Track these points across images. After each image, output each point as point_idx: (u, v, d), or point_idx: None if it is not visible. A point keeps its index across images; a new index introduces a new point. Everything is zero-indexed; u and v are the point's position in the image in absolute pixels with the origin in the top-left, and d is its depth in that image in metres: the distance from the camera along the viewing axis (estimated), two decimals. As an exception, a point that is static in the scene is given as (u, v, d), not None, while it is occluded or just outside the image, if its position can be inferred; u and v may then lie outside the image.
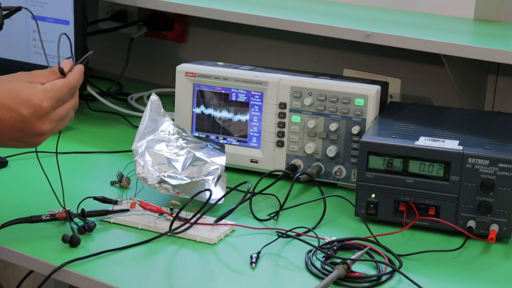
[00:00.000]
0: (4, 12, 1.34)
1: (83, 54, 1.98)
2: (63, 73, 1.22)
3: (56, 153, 1.41)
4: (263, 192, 1.59)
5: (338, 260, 1.30)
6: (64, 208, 1.41)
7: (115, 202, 1.49)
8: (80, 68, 1.24)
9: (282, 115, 1.68)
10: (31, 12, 1.34)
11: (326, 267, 1.30)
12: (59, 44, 1.26)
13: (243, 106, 1.70)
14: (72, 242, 1.34)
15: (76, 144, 1.83)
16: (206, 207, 1.43)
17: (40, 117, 1.18)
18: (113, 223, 1.45)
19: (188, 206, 1.40)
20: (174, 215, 1.41)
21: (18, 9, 1.35)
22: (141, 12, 2.36)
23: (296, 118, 1.67)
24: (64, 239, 1.34)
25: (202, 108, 1.73)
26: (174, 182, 1.49)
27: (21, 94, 1.16)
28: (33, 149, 1.34)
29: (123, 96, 2.23)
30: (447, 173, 1.44)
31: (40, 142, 1.23)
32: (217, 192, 1.49)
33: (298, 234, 1.42)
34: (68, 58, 1.25)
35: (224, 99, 1.71)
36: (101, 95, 2.16)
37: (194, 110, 1.74)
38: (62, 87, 1.20)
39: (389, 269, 1.31)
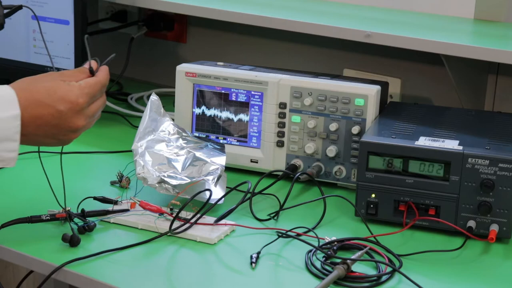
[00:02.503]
0: (5, 11, 1.34)
1: (83, 54, 1.99)
2: (92, 72, 1.26)
3: (61, 153, 1.41)
4: (263, 192, 1.59)
5: (338, 260, 1.30)
6: (65, 208, 1.41)
7: (115, 202, 1.49)
8: (106, 68, 1.29)
9: (282, 115, 1.68)
10: (33, 10, 1.35)
11: (326, 267, 1.30)
12: (88, 45, 1.32)
13: (243, 106, 1.70)
14: (72, 241, 1.34)
15: (76, 144, 1.83)
16: (206, 207, 1.43)
17: (76, 113, 1.22)
18: (113, 223, 1.45)
19: (188, 206, 1.40)
20: (174, 215, 1.41)
21: (19, 7, 1.36)
22: (141, 12, 2.36)
23: (296, 118, 1.67)
24: (64, 238, 1.34)
25: (202, 108, 1.73)
26: (174, 182, 1.49)
27: (57, 91, 1.20)
28: (35, 149, 1.34)
29: (123, 96, 2.23)
30: (447, 173, 1.44)
31: (72, 139, 1.27)
32: (217, 192, 1.49)
33: (298, 234, 1.42)
34: (93, 59, 1.29)
35: (224, 99, 1.71)
36: (101, 95, 2.16)
37: (194, 110, 1.74)
38: (95, 85, 1.25)
39: (389, 269, 1.31)
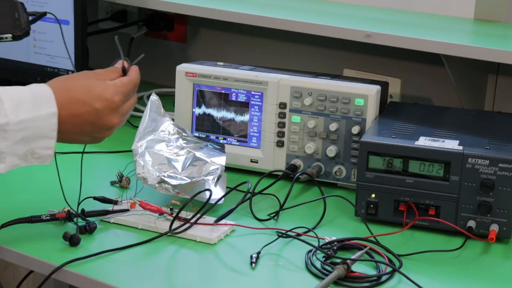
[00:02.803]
0: (30, 18, 1.36)
1: (83, 54, 1.99)
2: (124, 72, 1.29)
3: (83, 153, 1.42)
4: (263, 192, 1.59)
5: (338, 260, 1.30)
6: (70, 207, 1.41)
7: (115, 202, 1.49)
8: (137, 68, 1.32)
9: (282, 115, 1.68)
10: (56, 16, 1.36)
11: (326, 267, 1.30)
12: (119, 45, 1.35)
13: (243, 106, 1.70)
14: (72, 241, 1.34)
15: (76, 144, 1.83)
16: (206, 207, 1.43)
17: (111, 111, 1.24)
18: (113, 223, 1.45)
19: (188, 206, 1.40)
20: (174, 215, 1.41)
21: (44, 14, 1.38)
22: (141, 12, 2.36)
23: (296, 118, 1.67)
24: (65, 236, 1.35)
25: (202, 108, 1.73)
26: (174, 182, 1.49)
27: (94, 89, 1.22)
28: None
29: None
30: (447, 173, 1.44)
31: (105, 137, 1.30)
32: (217, 192, 1.49)
33: (298, 234, 1.42)
34: (124, 59, 1.32)
35: (224, 99, 1.71)
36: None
37: (194, 110, 1.74)
38: (128, 84, 1.28)
39: (389, 269, 1.31)
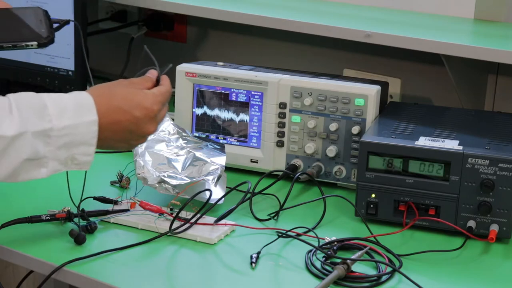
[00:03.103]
0: (54, 25, 1.37)
1: (82, 54, 1.99)
2: (157, 81, 1.33)
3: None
4: (263, 192, 1.59)
5: (338, 260, 1.30)
6: (77, 207, 1.41)
7: (115, 202, 1.49)
8: (167, 77, 1.35)
9: (282, 115, 1.68)
10: (78, 26, 1.38)
11: (326, 267, 1.30)
12: (151, 54, 1.39)
13: (243, 106, 1.70)
14: (78, 239, 1.35)
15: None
16: (206, 207, 1.43)
17: (150, 119, 1.27)
18: (113, 223, 1.45)
19: (188, 206, 1.40)
20: (174, 215, 1.41)
21: (67, 22, 1.40)
22: (141, 12, 2.36)
23: (296, 118, 1.67)
24: (71, 233, 1.35)
25: (202, 108, 1.73)
26: (174, 182, 1.49)
27: (134, 98, 1.26)
28: None
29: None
30: (447, 173, 1.44)
31: (140, 143, 1.33)
32: (217, 192, 1.49)
33: (298, 234, 1.42)
34: (153, 68, 1.35)
35: (224, 99, 1.71)
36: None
37: (194, 110, 1.74)
38: (165, 93, 1.31)
39: (389, 269, 1.31)
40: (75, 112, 1.20)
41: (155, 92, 1.29)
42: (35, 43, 1.32)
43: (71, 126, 1.19)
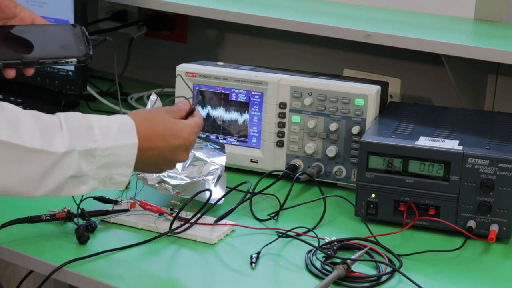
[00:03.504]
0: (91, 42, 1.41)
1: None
2: (191, 111, 1.38)
3: None
4: (263, 192, 1.59)
5: (338, 260, 1.30)
6: (77, 207, 1.41)
7: (115, 202, 1.49)
8: (197, 109, 1.40)
9: (282, 115, 1.68)
10: (113, 43, 1.45)
11: (326, 267, 1.30)
12: (187, 82, 1.49)
13: (243, 106, 1.70)
14: (82, 239, 1.35)
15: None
16: (206, 207, 1.43)
17: (185, 149, 1.33)
18: (113, 223, 1.45)
19: (188, 206, 1.40)
20: (174, 215, 1.41)
21: (104, 40, 1.46)
22: (141, 12, 2.36)
23: (296, 118, 1.67)
24: (78, 231, 1.36)
25: (202, 108, 1.73)
26: (174, 182, 1.49)
27: (174, 127, 1.31)
28: None
29: (123, 96, 2.23)
30: (447, 173, 1.44)
31: (169, 169, 1.37)
32: (217, 192, 1.49)
33: (298, 234, 1.42)
34: (186, 98, 1.40)
35: (224, 99, 1.71)
36: (101, 95, 2.16)
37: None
38: (200, 125, 1.37)
39: (389, 269, 1.31)
40: (118, 134, 1.24)
41: (192, 124, 1.35)
42: (74, 59, 1.35)
43: (114, 147, 1.23)
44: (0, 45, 1.35)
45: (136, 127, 1.26)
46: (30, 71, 1.31)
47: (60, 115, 1.22)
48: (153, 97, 1.61)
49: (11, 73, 1.30)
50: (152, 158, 1.29)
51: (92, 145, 1.21)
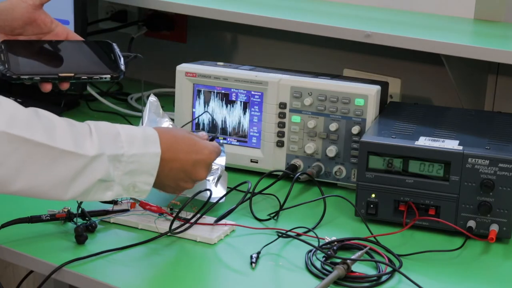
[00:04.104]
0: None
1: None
2: (211, 140, 1.47)
3: None
4: (263, 192, 1.59)
5: (338, 260, 1.30)
6: (77, 207, 1.41)
7: (115, 202, 1.49)
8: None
9: (282, 115, 1.68)
10: (141, 57, 1.51)
11: (326, 267, 1.30)
12: (214, 117, 1.58)
13: (243, 106, 1.70)
14: (80, 239, 1.35)
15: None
16: (206, 207, 1.43)
17: (205, 166, 1.39)
18: (113, 223, 1.45)
19: (188, 206, 1.40)
20: (174, 215, 1.41)
21: (135, 57, 1.50)
22: (141, 12, 2.36)
23: (296, 118, 1.67)
24: (77, 230, 1.36)
25: (202, 108, 1.73)
26: (174, 182, 1.49)
27: (196, 144, 1.37)
28: None
29: (123, 96, 2.23)
30: (447, 173, 1.44)
31: (186, 188, 1.40)
32: (218, 192, 1.49)
33: (298, 234, 1.42)
34: (206, 133, 1.49)
35: (224, 99, 1.71)
36: (101, 95, 2.16)
37: (194, 110, 1.74)
38: (219, 150, 1.43)
39: (389, 269, 1.31)
40: (142, 143, 1.29)
41: (214, 144, 1.42)
42: (108, 76, 1.38)
43: (138, 154, 1.28)
44: (38, 60, 1.40)
45: (160, 138, 1.31)
46: (65, 86, 1.36)
47: (90, 122, 1.27)
48: (152, 98, 1.61)
49: (47, 87, 1.36)
50: (173, 170, 1.33)
51: (119, 151, 1.25)
